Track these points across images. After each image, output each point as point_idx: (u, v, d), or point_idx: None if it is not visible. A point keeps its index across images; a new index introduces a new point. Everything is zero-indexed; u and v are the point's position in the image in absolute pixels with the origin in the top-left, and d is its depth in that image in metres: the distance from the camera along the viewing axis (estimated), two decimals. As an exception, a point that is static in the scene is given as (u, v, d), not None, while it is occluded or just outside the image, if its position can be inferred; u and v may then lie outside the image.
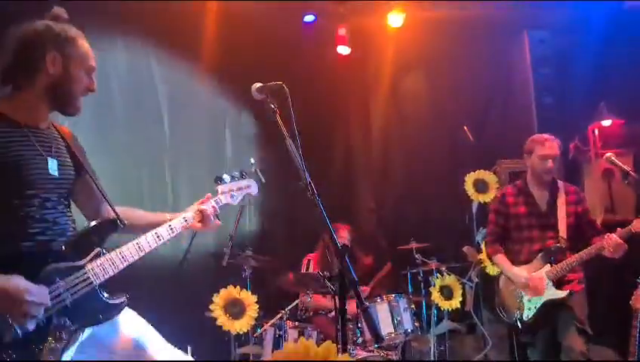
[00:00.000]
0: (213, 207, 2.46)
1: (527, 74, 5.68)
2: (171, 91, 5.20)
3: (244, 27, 5.66)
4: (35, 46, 2.03)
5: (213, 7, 5.35)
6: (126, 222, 2.17)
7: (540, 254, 3.75)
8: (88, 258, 2.04)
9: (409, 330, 4.67)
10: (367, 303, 4.61)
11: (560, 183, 3.91)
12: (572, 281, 3.74)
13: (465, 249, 5.35)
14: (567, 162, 5.62)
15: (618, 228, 3.60)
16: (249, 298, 4.27)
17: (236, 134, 6.04)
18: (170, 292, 4.57)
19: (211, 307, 4.18)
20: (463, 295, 5.16)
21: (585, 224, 3.85)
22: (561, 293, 3.66)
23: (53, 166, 2.07)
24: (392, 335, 4.58)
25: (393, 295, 4.80)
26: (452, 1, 5.73)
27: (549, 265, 3.71)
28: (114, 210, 2.21)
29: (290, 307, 4.67)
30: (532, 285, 3.69)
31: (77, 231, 2.14)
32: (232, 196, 2.55)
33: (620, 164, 3.76)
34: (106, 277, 2.06)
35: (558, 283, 3.69)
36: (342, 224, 5.42)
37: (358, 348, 4.41)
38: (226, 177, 2.55)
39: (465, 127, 5.62)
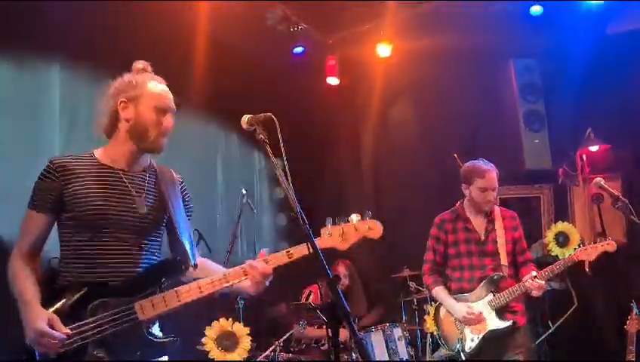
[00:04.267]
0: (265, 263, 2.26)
1: (514, 101, 5.76)
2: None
3: (233, 59, 5.72)
4: (110, 97, 2.26)
5: (203, 37, 5.40)
6: (194, 264, 2.25)
7: (482, 283, 3.67)
8: (143, 294, 2.12)
9: (404, 359, 4.62)
10: (361, 334, 4.60)
11: (496, 208, 3.85)
12: (517, 312, 3.66)
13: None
14: (556, 187, 5.67)
15: (545, 269, 3.58)
16: (241, 330, 4.21)
17: (227, 164, 6.05)
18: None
19: (203, 340, 4.12)
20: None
21: (518, 251, 3.78)
22: (504, 324, 3.58)
23: (141, 204, 2.23)
24: (387, 365, 4.53)
25: (387, 324, 4.77)
26: (439, 31, 5.84)
27: (491, 294, 3.63)
28: (186, 254, 2.27)
29: (283, 338, 4.62)
30: (473, 321, 3.61)
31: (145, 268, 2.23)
32: (342, 238, 2.32)
33: (610, 188, 3.77)
34: (154, 314, 2.11)
35: (501, 313, 3.61)
36: (341, 259, 5.41)
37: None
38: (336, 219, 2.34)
39: (454, 155, 5.66)
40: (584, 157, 5.51)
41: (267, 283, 2.28)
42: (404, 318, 5.46)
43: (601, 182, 3.77)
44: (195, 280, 2.22)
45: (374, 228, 2.36)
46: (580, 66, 5.66)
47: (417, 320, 5.33)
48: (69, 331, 1.99)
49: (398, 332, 4.75)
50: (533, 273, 3.54)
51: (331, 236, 2.32)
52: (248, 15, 5.56)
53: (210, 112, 5.57)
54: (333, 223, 2.33)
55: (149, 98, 2.25)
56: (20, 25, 4.14)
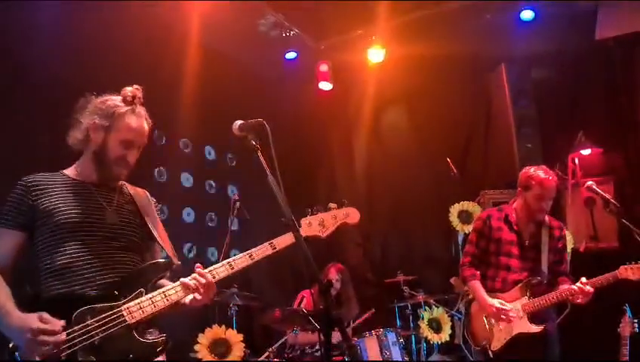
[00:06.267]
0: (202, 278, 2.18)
1: (506, 106, 5.78)
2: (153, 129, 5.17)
3: (226, 65, 5.72)
4: (87, 114, 2.28)
5: (195, 44, 5.39)
6: (177, 264, 2.27)
7: (518, 285, 3.65)
8: (129, 298, 2.10)
9: (398, 364, 4.60)
10: (354, 339, 4.59)
11: (546, 216, 3.78)
12: (547, 320, 3.62)
13: (452, 280, 5.33)
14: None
15: (596, 278, 3.50)
16: (235, 337, 4.20)
17: (219, 170, 6.04)
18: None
19: (196, 347, 4.10)
20: (452, 327, 5.12)
21: (557, 261, 3.74)
22: (535, 328, 3.54)
23: (110, 215, 2.25)
24: (382, 370, 4.52)
25: (382, 329, 4.76)
26: (431, 37, 5.86)
27: (526, 297, 3.61)
28: (169, 256, 2.30)
29: (276, 345, 4.60)
30: (503, 318, 3.57)
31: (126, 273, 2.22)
32: (322, 226, 2.38)
33: (601, 192, 3.76)
34: (143, 316, 2.09)
35: (534, 318, 3.57)
36: (333, 264, 5.40)
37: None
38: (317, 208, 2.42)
39: (448, 160, 5.68)
40: (576, 161, 5.53)
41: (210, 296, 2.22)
42: (398, 323, 5.45)
43: (593, 186, 3.76)
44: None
45: (351, 214, 2.42)
46: (571, 71, 5.70)
47: (412, 325, 5.33)
48: (63, 322, 1.96)
49: (392, 337, 4.73)
50: (583, 279, 3.48)
51: (311, 225, 2.37)
52: (240, 21, 5.57)
53: (202, 118, 5.55)
54: (312, 213, 2.38)
55: (121, 130, 2.26)
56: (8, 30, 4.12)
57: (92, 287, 2.12)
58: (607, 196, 3.78)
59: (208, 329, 4.15)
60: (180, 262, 2.31)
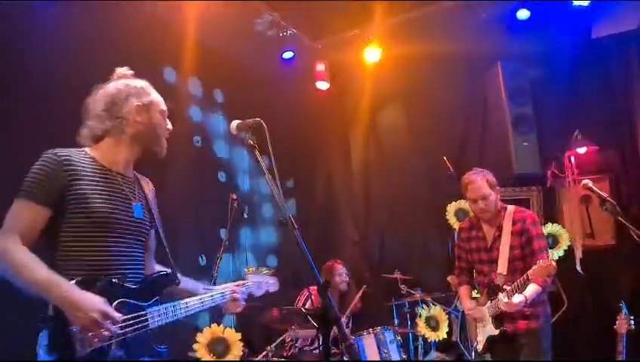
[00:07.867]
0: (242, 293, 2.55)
1: (502, 104, 5.79)
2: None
3: (223, 64, 5.71)
4: (122, 100, 2.28)
5: (192, 43, 5.39)
6: (178, 281, 2.36)
7: (486, 289, 3.80)
8: (150, 302, 2.17)
9: (396, 363, 4.61)
10: (352, 337, 4.60)
11: (509, 212, 3.77)
12: (516, 319, 3.62)
13: (449, 278, 5.35)
14: (545, 189, 5.72)
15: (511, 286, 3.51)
16: (233, 336, 4.20)
17: (216, 170, 6.03)
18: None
19: (195, 346, 4.10)
20: (450, 325, 5.14)
21: (527, 254, 3.66)
22: (494, 331, 3.67)
23: (136, 209, 2.27)
24: (380, 368, 4.53)
25: (379, 327, 4.77)
26: (427, 36, 5.88)
27: (490, 301, 3.73)
28: (172, 266, 2.36)
29: (275, 344, 4.60)
30: (475, 317, 3.82)
31: (146, 273, 2.31)
32: (258, 288, 2.67)
33: (597, 190, 3.76)
34: (162, 323, 2.16)
35: (499, 319, 3.65)
36: (334, 260, 5.40)
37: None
38: (261, 269, 2.73)
39: (444, 158, 5.69)
40: (572, 159, 5.54)
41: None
42: (396, 322, 5.46)
43: (589, 184, 3.77)
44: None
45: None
46: (567, 69, 5.71)
47: (409, 323, 5.34)
48: (120, 315, 1.98)
49: (390, 335, 4.75)
50: (507, 287, 3.53)
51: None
52: (236, 21, 5.56)
53: (201, 119, 5.56)
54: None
55: (157, 103, 2.35)
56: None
57: (127, 281, 2.13)
58: (604, 194, 3.78)
59: (207, 328, 4.15)
60: (179, 280, 2.36)
